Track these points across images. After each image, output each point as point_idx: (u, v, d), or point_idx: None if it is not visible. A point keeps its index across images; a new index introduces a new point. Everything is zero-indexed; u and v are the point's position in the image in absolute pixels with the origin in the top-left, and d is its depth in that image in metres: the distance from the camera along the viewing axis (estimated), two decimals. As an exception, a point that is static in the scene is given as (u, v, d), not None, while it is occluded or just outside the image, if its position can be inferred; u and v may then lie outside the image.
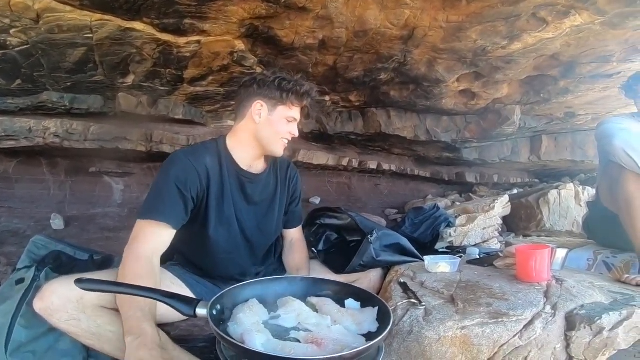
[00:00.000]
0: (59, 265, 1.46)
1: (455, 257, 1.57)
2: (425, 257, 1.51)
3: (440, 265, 1.47)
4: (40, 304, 1.10)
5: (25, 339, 1.29)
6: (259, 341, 0.84)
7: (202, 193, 1.33)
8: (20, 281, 1.40)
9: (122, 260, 1.18)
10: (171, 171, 1.30)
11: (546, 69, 2.77)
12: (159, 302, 0.91)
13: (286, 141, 1.43)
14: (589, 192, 3.68)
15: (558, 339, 1.07)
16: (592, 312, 1.09)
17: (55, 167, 2.70)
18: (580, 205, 3.73)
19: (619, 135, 1.63)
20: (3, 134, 2.09)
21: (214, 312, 0.91)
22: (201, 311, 0.88)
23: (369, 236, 1.55)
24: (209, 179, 1.34)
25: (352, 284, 1.12)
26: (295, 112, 1.40)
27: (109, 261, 1.60)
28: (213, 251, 1.40)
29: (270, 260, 1.58)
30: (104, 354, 1.21)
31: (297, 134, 1.44)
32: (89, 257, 1.57)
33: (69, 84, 2.04)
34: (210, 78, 2.44)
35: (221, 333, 0.82)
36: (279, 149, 1.42)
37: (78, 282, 0.94)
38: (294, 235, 1.66)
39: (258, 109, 1.37)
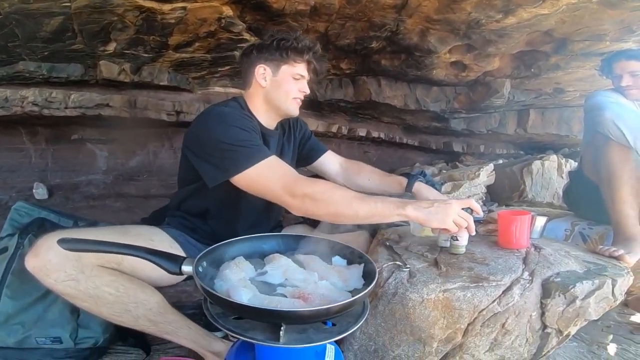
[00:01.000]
0: (43, 232, 1.35)
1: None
2: (410, 221, 1.50)
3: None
4: (35, 262, 1.02)
5: (12, 310, 1.24)
6: (245, 296, 0.83)
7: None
8: (4, 250, 1.33)
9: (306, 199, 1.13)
10: (239, 123, 1.26)
11: (539, 45, 2.73)
12: (153, 268, 0.88)
13: (299, 100, 1.42)
14: (571, 165, 3.77)
15: (534, 307, 1.09)
16: (567, 280, 1.12)
17: (36, 136, 2.61)
18: (562, 177, 3.82)
19: (610, 107, 1.67)
20: (-22, 104, 2.00)
21: (200, 269, 0.89)
22: (187, 268, 0.86)
23: None
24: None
25: (340, 242, 1.12)
26: (299, 68, 1.38)
27: (94, 226, 1.54)
28: (242, 209, 1.40)
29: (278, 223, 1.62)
30: (93, 321, 1.22)
31: (307, 91, 1.42)
32: (74, 223, 1.53)
33: (46, 53, 1.93)
34: (197, 44, 2.34)
35: (207, 288, 0.80)
36: (293, 109, 1.42)
37: (61, 242, 0.87)
38: (335, 159, 1.71)
39: (261, 73, 1.36)
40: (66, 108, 2.29)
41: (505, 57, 2.98)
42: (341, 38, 2.66)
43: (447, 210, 1.06)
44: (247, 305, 0.78)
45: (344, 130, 4.01)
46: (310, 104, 3.75)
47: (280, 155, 1.49)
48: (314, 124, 3.84)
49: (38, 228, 1.40)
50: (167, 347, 1.39)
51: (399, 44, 2.79)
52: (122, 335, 1.41)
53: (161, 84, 2.65)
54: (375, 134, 4.15)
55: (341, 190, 1.16)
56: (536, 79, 3.21)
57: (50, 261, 1.02)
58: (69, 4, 1.60)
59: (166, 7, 1.87)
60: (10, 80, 2.04)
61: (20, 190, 2.59)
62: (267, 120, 1.45)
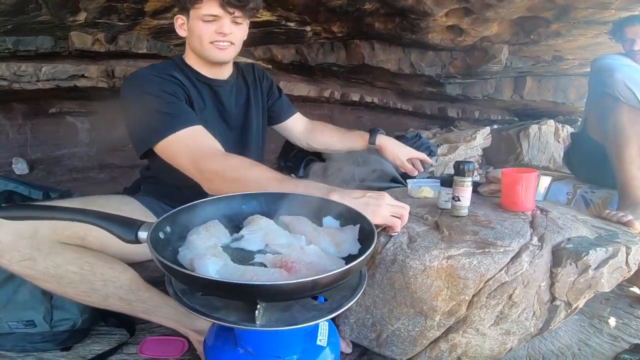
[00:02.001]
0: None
1: (437, 180, 1.44)
2: (408, 181, 1.43)
3: (423, 190, 1.37)
4: None
5: None
6: (212, 267, 0.68)
7: (188, 102, 1.23)
8: None
9: (205, 174, 1.03)
10: (150, 89, 1.14)
11: (540, 11, 2.57)
12: (115, 240, 0.74)
13: (220, 43, 1.23)
14: (567, 130, 3.74)
15: (543, 276, 1.00)
16: (579, 246, 1.03)
17: (11, 112, 2.48)
18: (559, 142, 3.82)
19: (621, 69, 1.63)
20: (-60, 82, 1.87)
21: (162, 234, 0.74)
22: (143, 234, 0.70)
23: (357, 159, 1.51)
24: (187, 91, 1.23)
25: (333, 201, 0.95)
26: (207, 8, 1.18)
27: (66, 197, 1.41)
28: None
29: None
30: (69, 301, 1.12)
31: (226, 31, 1.22)
32: (44, 195, 1.42)
33: (9, 26, 1.78)
34: (176, 9, 2.17)
35: (160, 258, 0.64)
36: (213, 55, 1.25)
37: None
38: (301, 121, 1.61)
39: (180, 24, 1.25)
40: (38, 81, 2.16)
41: (504, 22, 2.82)
42: (332, -1, 2.50)
43: (380, 202, 0.91)
44: (211, 279, 0.62)
45: (337, 95, 3.89)
46: (301, 69, 3.61)
47: (247, 103, 1.41)
48: (305, 89, 3.72)
49: (7, 201, 1.30)
50: (152, 326, 1.32)
51: (393, 5, 2.63)
52: (103, 316, 1.34)
53: (140, 52, 2.49)
54: (368, 99, 4.04)
55: (258, 169, 1.02)
56: (535, 46, 3.07)
57: (1, 241, 0.92)
58: (26, -25, 1.45)
59: (137, -28, 1.72)
60: (-28, 55, 1.91)
61: (-1, 166, 2.51)
62: (209, 70, 1.31)
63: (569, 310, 1.05)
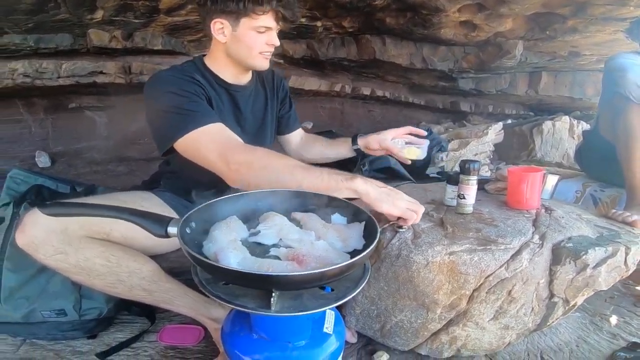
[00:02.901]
0: (41, 200, 1.32)
1: (426, 140, 1.43)
2: (394, 140, 1.40)
3: (410, 151, 1.35)
4: (23, 239, 1.00)
5: (15, 283, 1.21)
6: (234, 259, 0.76)
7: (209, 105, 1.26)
8: (1, 220, 1.27)
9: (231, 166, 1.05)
10: (172, 88, 1.17)
11: (556, 7, 2.53)
12: (145, 236, 0.81)
13: (267, 54, 1.27)
14: (583, 126, 3.67)
15: (542, 274, 1.03)
16: (579, 245, 1.05)
17: (33, 107, 2.58)
18: (573, 138, 3.74)
19: (633, 69, 1.61)
20: (-33, 78, 1.96)
21: (188, 230, 0.81)
22: (173, 230, 0.77)
23: (360, 165, 1.50)
24: (207, 93, 1.25)
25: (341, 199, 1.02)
26: (263, 20, 1.20)
27: (92, 191, 1.50)
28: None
29: None
30: (96, 291, 1.17)
31: (276, 43, 1.25)
32: (71, 189, 1.46)
33: (30, 25, 1.85)
34: (189, 7, 2.22)
35: (190, 251, 0.72)
36: (260, 63, 1.28)
37: (42, 208, 0.84)
38: (300, 133, 1.61)
39: (218, 27, 1.22)
40: (59, 78, 2.24)
41: (518, 18, 2.79)
42: (342, -5, 2.51)
43: (400, 195, 0.98)
44: (233, 270, 0.71)
45: (348, 89, 3.89)
46: (312, 63, 3.61)
47: (265, 109, 1.43)
48: (316, 84, 3.73)
49: (36, 196, 1.34)
50: (171, 315, 1.39)
51: (405, 1, 2.63)
52: (126, 305, 1.39)
53: (155, 48, 2.55)
54: (379, 93, 4.03)
55: (283, 159, 1.07)
56: (551, 42, 3.02)
57: (37, 236, 0.99)
58: (45, -25, 1.51)
59: (152, -29, 1.76)
60: (-4, 54, 1.99)
61: (22, 159, 2.60)
62: (234, 75, 1.33)
63: (567, 307, 1.07)
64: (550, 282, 1.04)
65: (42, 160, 2.66)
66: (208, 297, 1.25)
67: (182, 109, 1.14)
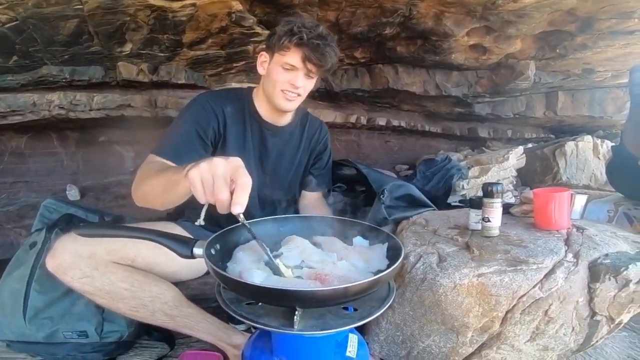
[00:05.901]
0: (71, 227, 1.35)
1: None
2: None
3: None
4: (53, 262, 1.07)
5: (41, 304, 1.27)
6: (257, 278, 0.78)
7: (219, 138, 1.31)
8: (33, 245, 1.38)
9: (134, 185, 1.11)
10: (190, 113, 1.26)
11: (562, 24, 2.59)
12: (167, 263, 0.88)
13: (289, 94, 1.28)
14: (607, 145, 3.58)
15: (581, 292, 0.99)
16: (618, 261, 1.01)
17: (66, 140, 2.74)
18: (599, 158, 3.63)
19: None
20: (8, 110, 2.10)
21: (212, 251, 0.85)
22: (198, 251, 0.81)
23: (380, 195, 1.50)
24: (226, 126, 1.30)
25: (362, 222, 1.03)
26: (290, 57, 1.24)
27: (119, 221, 1.61)
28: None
29: None
30: (119, 314, 1.20)
31: (297, 84, 1.26)
32: (100, 218, 1.56)
33: (66, 56, 2.02)
34: (210, 41, 2.38)
35: (217, 269, 0.74)
36: (282, 102, 1.30)
37: (76, 230, 0.91)
38: (315, 197, 1.59)
39: (262, 60, 1.31)
40: (90, 110, 2.39)
41: (527, 38, 2.85)
42: (353, 26, 2.63)
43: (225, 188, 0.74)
44: (258, 286, 0.72)
45: (363, 120, 3.96)
46: (327, 96, 3.72)
47: (294, 157, 1.45)
48: (332, 116, 3.82)
49: (66, 223, 1.44)
50: (191, 341, 1.41)
51: (414, 29, 2.73)
52: (147, 330, 1.43)
53: (179, 82, 2.71)
54: (395, 123, 4.08)
55: (146, 166, 1.14)
56: (563, 60, 3.05)
57: (66, 260, 1.06)
58: (81, 6, 1.66)
59: (176, 4, 1.92)
60: (35, 85, 2.15)
61: (55, 192, 2.73)
62: (268, 112, 1.37)
63: (611, 326, 1.02)
64: (591, 300, 1.00)
65: (72, 193, 2.77)
66: (229, 323, 1.27)
67: (171, 133, 1.25)
